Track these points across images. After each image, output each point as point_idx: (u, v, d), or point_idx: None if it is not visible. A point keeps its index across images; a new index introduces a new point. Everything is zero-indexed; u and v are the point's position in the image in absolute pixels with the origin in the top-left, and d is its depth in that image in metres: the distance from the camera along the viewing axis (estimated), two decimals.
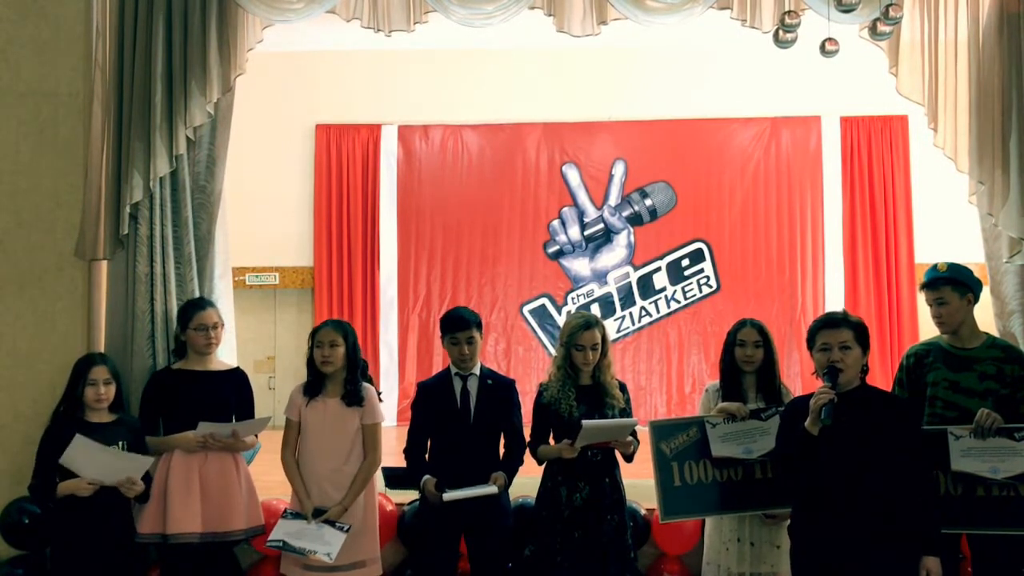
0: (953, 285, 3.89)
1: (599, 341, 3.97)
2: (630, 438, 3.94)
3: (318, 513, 3.99)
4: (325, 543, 3.92)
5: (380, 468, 4.80)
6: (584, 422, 3.78)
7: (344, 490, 4.05)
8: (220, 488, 4.09)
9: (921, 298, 4.17)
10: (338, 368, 4.09)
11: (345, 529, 3.97)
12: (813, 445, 3.24)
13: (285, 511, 4.06)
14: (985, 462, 3.70)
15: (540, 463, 4.09)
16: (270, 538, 3.98)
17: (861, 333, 3.34)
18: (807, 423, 3.25)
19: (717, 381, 4.15)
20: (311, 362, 4.12)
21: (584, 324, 3.97)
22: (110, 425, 3.98)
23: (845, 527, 3.19)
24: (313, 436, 4.09)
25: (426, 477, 4.03)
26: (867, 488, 3.18)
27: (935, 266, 3.97)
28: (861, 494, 3.18)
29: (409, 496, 4.69)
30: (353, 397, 4.10)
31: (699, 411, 4.19)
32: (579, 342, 3.95)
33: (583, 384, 4.01)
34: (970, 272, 3.97)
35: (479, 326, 4.10)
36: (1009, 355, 3.94)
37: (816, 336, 3.36)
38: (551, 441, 4.04)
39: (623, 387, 4.08)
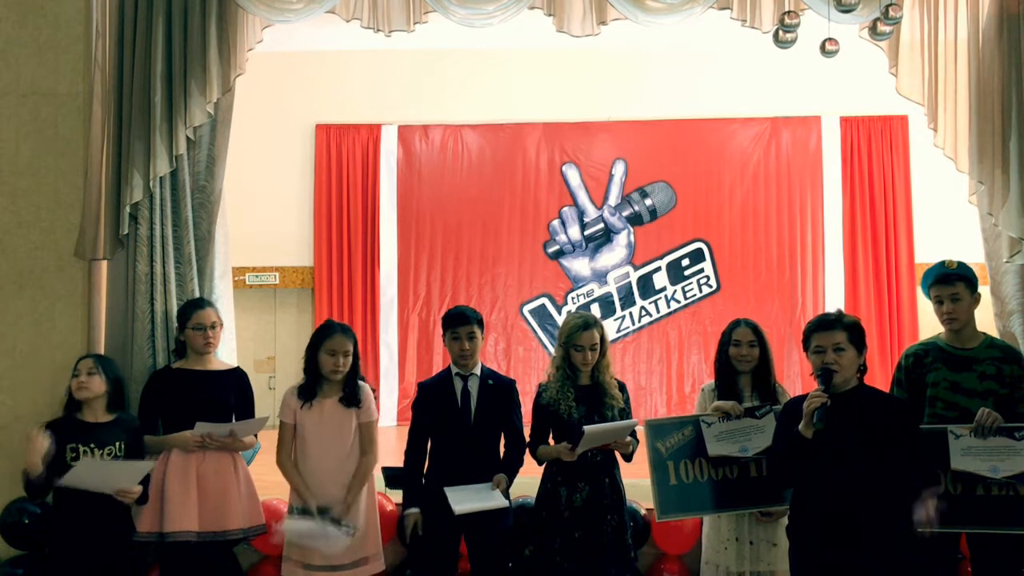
0: (965, 282, 3.91)
1: (598, 341, 3.97)
2: (629, 438, 3.95)
3: (322, 511, 3.99)
4: (330, 546, 3.92)
5: (380, 468, 4.81)
6: (586, 428, 3.77)
7: (347, 487, 4.05)
8: (217, 487, 4.08)
9: (921, 298, 4.17)
10: (345, 373, 4.09)
11: (351, 532, 3.97)
12: (807, 447, 3.24)
13: (291, 507, 4.06)
14: (985, 461, 3.70)
15: (540, 463, 4.09)
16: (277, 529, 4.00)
17: (856, 334, 3.33)
18: (801, 426, 3.25)
19: (713, 381, 4.16)
20: (312, 366, 4.10)
21: (583, 324, 3.97)
22: (108, 425, 3.98)
23: (843, 528, 3.19)
24: (313, 438, 4.08)
25: (411, 511, 4.05)
26: (864, 488, 3.18)
27: (943, 263, 3.98)
28: (859, 494, 3.18)
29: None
30: (352, 399, 4.10)
31: (696, 411, 4.19)
32: (578, 342, 3.95)
33: (582, 384, 4.01)
34: (973, 270, 3.99)
35: (480, 323, 4.09)
36: (1007, 355, 3.95)
37: (811, 338, 3.37)
38: (551, 441, 4.04)
39: (622, 387, 4.08)
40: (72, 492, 3.79)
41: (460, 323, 4.05)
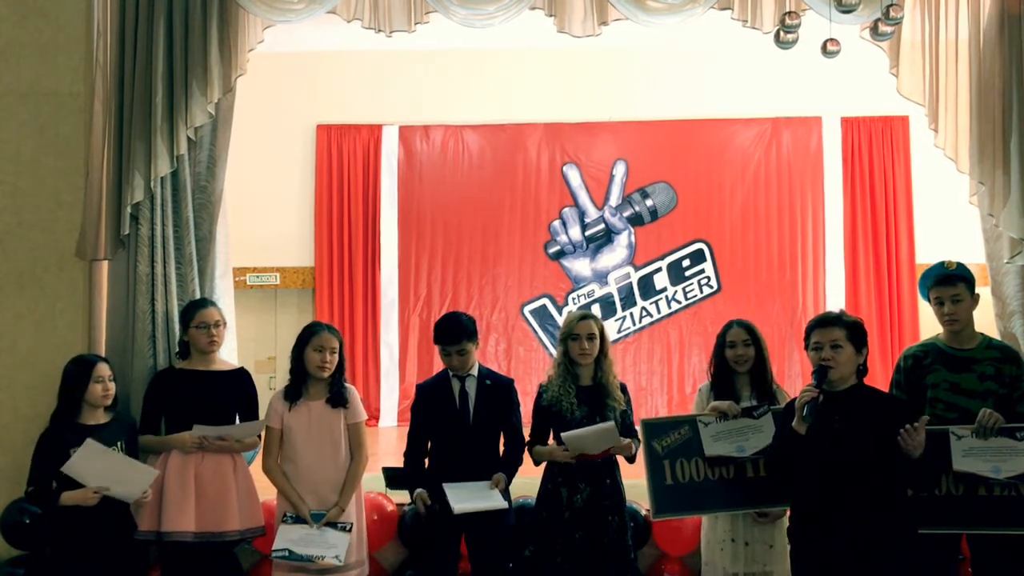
0: (965, 282, 3.90)
1: (595, 332, 3.98)
2: (627, 440, 3.93)
3: (316, 518, 3.98)
4: (331, 546, 3.91)
5: (381, 468, 4.81)
6: (563, 435, 3.82)
7: (339, 489, 4.05)
8: (216, 489, 4.07)
9: (922, 299, 4.16)
10: (331, 372, 4.09)
11: (348, 529, 3.97)
12: (801, 444, 3.24)
13: (285, 515, 4.03)
14: (987, 462, 3.69)
15: (536, 463, 4.09)
16: (274, 547, 3.94)
17: (855, 333, 3.34)
18: (794, 422, 3.27)
19: (710, 382, 4.16)
20: (299, 366, 4.10)
21: (580, 316, 4.03)
22: (108, 425, 3.98)
23: (842, 528, 3.18)
24: (302, 440, 4.07)
25: (419, 491, 4.00)
26: (863, 488, 3.18)
27: (943, 264, 3.96)
28: (858, 494, 3.18)
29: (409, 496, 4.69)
30: (339, 399, 4.09)
31: (694, 411, 4.19)
32: (576, 331, 3.97)
33: (583, 385, 4.01)
34: (971, 271, 3.99)
35: (471, 336, 4.04)
36: (1006, 355, 3.94)
37: (810, 335, 3.38)
38: (550, 442, 4.04)
39: (623, 388, 4.08)
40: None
41: (449, 342, 4.02)
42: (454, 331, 4.03)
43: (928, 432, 3.24)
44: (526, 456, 4.12)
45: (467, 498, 3.89)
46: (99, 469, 3.81)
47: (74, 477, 3.80)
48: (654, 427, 4.04)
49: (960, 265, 3.94)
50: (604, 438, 3.85)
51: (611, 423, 3.88)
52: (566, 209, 9.36)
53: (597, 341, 3.99)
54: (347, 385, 4.17)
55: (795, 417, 3.27)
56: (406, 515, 4.68)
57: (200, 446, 4.05)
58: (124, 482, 3.85)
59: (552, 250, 9.38)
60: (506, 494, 4.06)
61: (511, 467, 4.09)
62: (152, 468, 3.96)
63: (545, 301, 9.35)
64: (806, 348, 3.42)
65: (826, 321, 3.37)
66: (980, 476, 3.70)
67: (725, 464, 3.96)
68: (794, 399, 3.54)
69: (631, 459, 4.00)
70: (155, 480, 3.95)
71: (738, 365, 4.04)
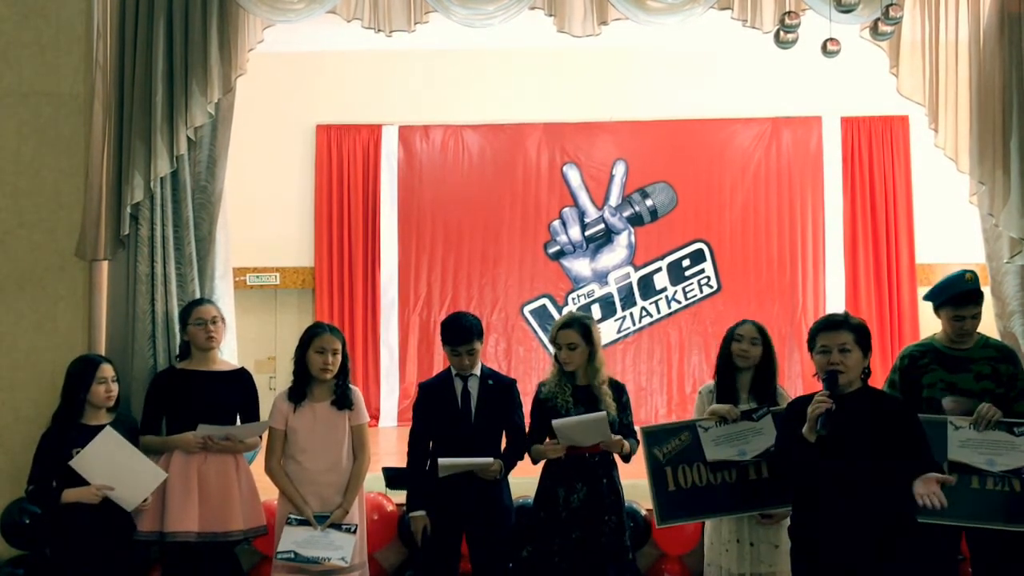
0: (982, 296, 3.88)
1: (575, 340, 3.95)
2: (618, 437, 3.92)
3: (320, 520, 3.98)
4: (336, 548, 3.91)
5: (381, 469, 4.81)
6: (554, 422, 3.81)
7: (342, 491, 4.05)
8: (218, 489, 4.07)
9: (922, 297, 4.14)
10: (335, 373, 4.09)
11: (352, 530, 3.97)
12: (811, 450, 3.23)
13: (289, 517, 4.02)
14: (982, 454, 3.69)
15: (534, 463, 4.09)
16: (279, 549, 3.94)
17: (862, 335, 3.32)
18: (804, 430, 3.24)
19: (711, 383, 4.16)
20: (301, 367, 4.10)
21: (561, 323, 4.02)
22: (110, 425, 3.97)
23: (845, 529, 3.18)
24: (306, 441, 4.07)
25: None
26: (867, 490, 3.18)
27: (962, 277, 3.89)
28: (861, 496, 3.18)
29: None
30: (344, 401, 4.09)
31: (695, 413, 4.19)
32: (556, 339, 4.00)
33: (580, 384, 4.01)
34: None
35: (480, 335, 4.06)
36: (1003, 354, 3.95)
37: (816, 338, 3.34)
38: (547, 441, 4.03)
39: (622, 388, 4.07)
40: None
41: (459, 342, 4.02)
42: (464, 331, 4.03)
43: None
44: (526, 456, 4.12)
45: (453, 460, 3.92)
46: (109, 464, 3.80)
47: (81, 471, 3.79)
48: (654, 434, 4.04)
49: (974, 275, 3.90)
50: (595, 429, 3.84)
51: (602, 413, 3.87)
52: (566, 209, 9.35)
53: (579, 350, 3.96)
54: (352, 387, 4.16)
55: (806, 425, 3.23)
56: (406, 515, 4.68)
57: (204, 446, 4.05)
58: (130, 482, 3.85)
59: (552, 250, 9.38)
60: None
61: (510, 461, 4.08)
62: (162, 470, 3.95)
63: (545, 301, 9.35)
64: (810, 351, 3.38)
65: (833, 324, 3.33)
66: (974, 468, 3.69)
67: (727, 468, 3.96)
68: (795, 399, 3.54)
69: (626, 458, 4.00)
70: (159, 485, 3.95)
71: (740, 360, 4.03)
